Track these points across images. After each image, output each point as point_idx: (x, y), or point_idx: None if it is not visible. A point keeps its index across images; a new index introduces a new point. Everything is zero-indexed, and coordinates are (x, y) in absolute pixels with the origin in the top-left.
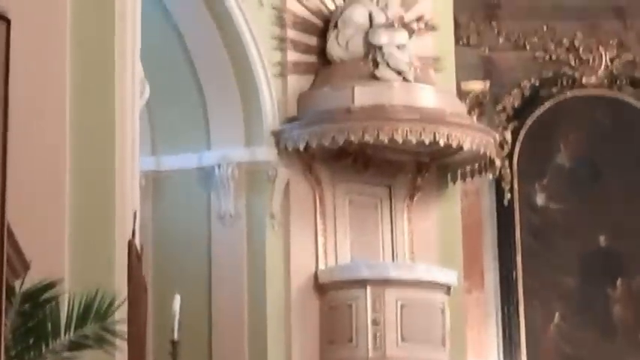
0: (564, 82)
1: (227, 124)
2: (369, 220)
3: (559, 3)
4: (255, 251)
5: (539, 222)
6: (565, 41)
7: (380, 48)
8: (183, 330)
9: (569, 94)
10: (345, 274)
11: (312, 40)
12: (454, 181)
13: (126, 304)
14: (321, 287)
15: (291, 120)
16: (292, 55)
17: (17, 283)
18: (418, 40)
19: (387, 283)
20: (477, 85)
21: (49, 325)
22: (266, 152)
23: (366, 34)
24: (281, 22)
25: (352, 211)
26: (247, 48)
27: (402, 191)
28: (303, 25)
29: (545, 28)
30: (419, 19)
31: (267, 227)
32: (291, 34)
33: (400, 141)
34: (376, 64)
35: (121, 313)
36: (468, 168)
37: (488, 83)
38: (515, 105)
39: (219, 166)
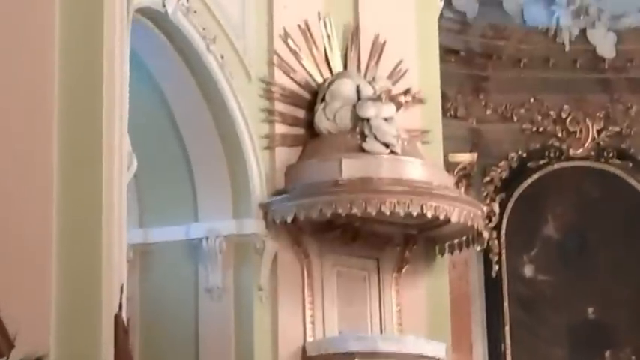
0: (552, 154)
1: (215, 196)
2: (357, 292)
3: (546, 76)
4: (243, 324)
5: (527, 293)
6: (552, 113)
7: (367, 121)
8: None
9: (556, 165)
10: (333, 346)
11: (300, 113)
12: (442, 253)
13: None
14: None
15: (279, 192)
16: (280, 128)
17: None
18: (406, 112)
19: (375, 355)
20: (464, 158)
21: None
22: (254, 225)
23: (354, 106)
24: (269, 95)
25: (340, 283)
26: (235, 120)
27: (390, 263)
28: (291, 98)
29: (532, 100)
30: (406, 91)
31: (254, 300)
32: (279, 106)
33: (388, 213)
34: (364, 137)
35: None
36: (456, 240)
37: (475, 155)
38: (503, 177)
39: (206, 239)
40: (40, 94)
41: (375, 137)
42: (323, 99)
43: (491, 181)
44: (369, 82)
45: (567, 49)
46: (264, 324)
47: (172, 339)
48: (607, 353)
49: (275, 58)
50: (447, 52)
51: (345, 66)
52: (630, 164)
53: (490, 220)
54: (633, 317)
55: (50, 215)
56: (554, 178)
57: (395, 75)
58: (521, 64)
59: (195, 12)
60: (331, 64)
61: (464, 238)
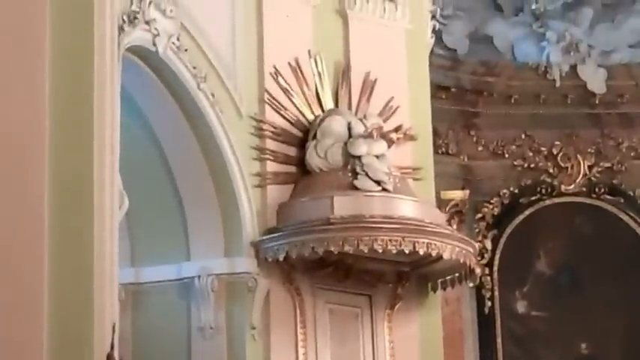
0: (543, 190)
1: (206, 234)
2: (350, 329)
3: (537, 112)
4: None
5: (520, 330)
6: (543, 149)
7: (359, 158)
8: None
9: (548, 201)
10: None
11: (291, 151)
12: (434, 290)
13: None
14: None
15: (270, 230)
16: (271, 166)
17: None
18: (397, 149)
19: None
20: (456, 194)
21: None
22: (246, 263)
23: (345, 144)
24: (260, 133)
25: (333, 321)
26: (226, 158)
27: (383, 300)
28: (282, 136)
29: (523, 136)
30: (397, 129)
31: (247, 338)
32: (270, 144)
33: (380, 251)
34: (355, 175)
35: None
36: (449, 277)
37: (467, 192)
38: (495, 213)
39: (198, 278)
40: (31, 131)
41: (367, 174)
42: (314, 136)
43: (483, 218)
44: (360, 120)
45: (558, 85)
46: None
47: None
48: None
49: (266, 96)
50: (438, 89)
51: (336, 103)
52: (622, 200)
53: (482, 257)
54: (627, 352)
55: (42, 255)
56: (546, 214)
57: (386, 112)
58: (512, 101)
59: (185, 50)
60: (322, 101)
61: (456, 274)
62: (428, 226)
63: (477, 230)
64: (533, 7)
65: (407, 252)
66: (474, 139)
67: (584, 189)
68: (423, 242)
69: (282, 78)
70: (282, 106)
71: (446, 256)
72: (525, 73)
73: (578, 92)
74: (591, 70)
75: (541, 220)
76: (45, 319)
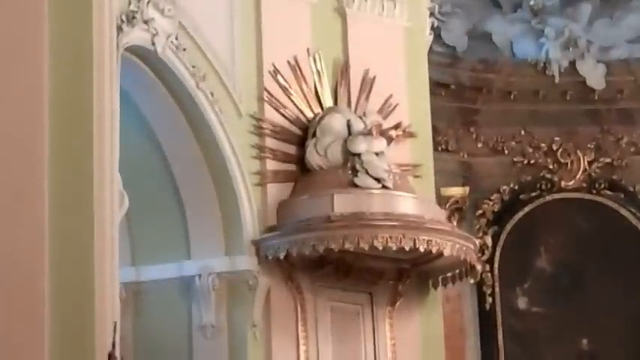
0: (543, 186)
1: (207, 233)
2: (351, 327)
3: (536, 108)
4: None
5: (521, 326)
6: (543, 145)
7: (359, 156)
8: None
9: (548, 197)
10: None
11: (291, 149)
12: (435, 286)
13: None
14: None
15: (271, 229)
16: (271, 164)
17: None
18: (397, 147)
19: None
20: (456, 191)
21: None
22: (246, 261)
23: (345, 142)
24: (259, 131)
25: (334, 319)
26: (226, 157)
27: (384, 298)
28: (282, 134)
29: (522, 132)
30: (397, 126)
31: (248, 337)
32: (270, 142)
33: (380, 248)
34: (355, 172)
35: None
36: (449, 274)
37: (467, 189)
38: (495, 210)
39: (199, 276)
40: (30, 131)
41: (367, 172)
42: (314, 134)
43: (483, 214)
44: (360, 117)
45: (557, 81)
46: None
47: None
48: None
49: (265, 95)
50: (437, 86)
51: (335, 101)
52: (622, 195)
53: (483, 253)
54: (628, 348)
55: (42, 255)
56: (546, 211)
57: (385, 109)
58: (512, 97)
59: (184, 49)
60: (321, 99)
61: (457, 271)
62: (428, 223)
63: (477, 227)
64: (532, 3)
65: (407, 249)
66: (474, 135)
67: (584, 185)
68: (424, 239)
69: (281, 76)
70: (282, 104)
71: (446, 252)
72: (524, 70)
73: (577, 88)
74: (590, 66)
75: (541, 216)
76: (46, 318)
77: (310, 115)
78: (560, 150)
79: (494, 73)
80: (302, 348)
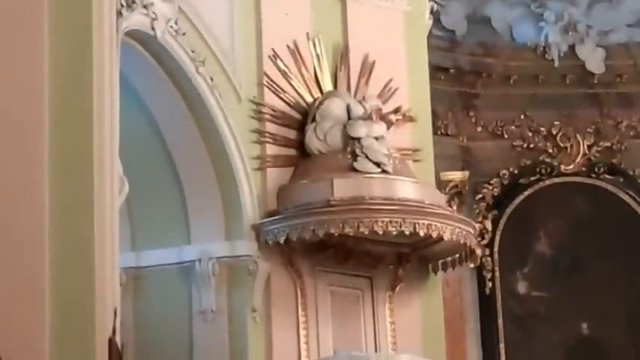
0: (543, 170)
1: (207, 218)
2: (351, 311)
3: (535, 92)
4: (238, 346)
5: (521, 310)
6: (543, 130)
7: (358, 140)
8: None
9: (548, 182)
10: None
11: (291, 133)
12: (435, 271)
13: None
14: None
15: (271, 213)
16: (271, 149)
17: None
18: (396, 131)
19: None
20: (456, 175)
21: None
22: (246, 246)
23: (344, 126)
24: (259, 116)
25: (334, 303)
26: (226, 142)
27: (384, 282)
28: (282, 119)
29: (522, 116)
30: (396, 110)
31: (248, 321)
32: (270, 127)
33: (380, 232)
34: (355, 157)
35: None
36: (449, 258)
37: (467, 173)
38: (495, 194)
39: (199, 261)
40: (30, 117)
41: (366, 156)
42: (313, 119)
43: (483, 199)
44: (359, 102)
45: (556, 65)
46: (258, 345)
47: None
48: None
49: (265, 79)
50: (436, 70)
51: (335, 85)
52: (621, 179)
53: (483, 238)
54: (628, 332)
55: (43, 240)
56: (545, 194)
57: (385, 94)
58: (511, 81)
59: (184, 34)
60: (321, 84)
61: (457, 255)
62: (428, 208)
63: (477, 211)
64: None
65: (407, 233)
66: (473, 120)
67: (583, 169)
68: (424, 223)
69: (281, 61)
70: (281, 89)
71: (446, 237)
72: (524, 54)
73: (576, 72)
74: (590, 50)
75: (541, 200)
76: (47, 304)
77: (310, 99)
78: (560, 134)
79: (493, 57)
80: (302, 332)
